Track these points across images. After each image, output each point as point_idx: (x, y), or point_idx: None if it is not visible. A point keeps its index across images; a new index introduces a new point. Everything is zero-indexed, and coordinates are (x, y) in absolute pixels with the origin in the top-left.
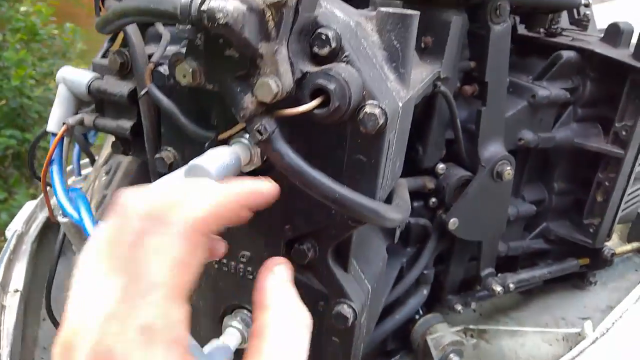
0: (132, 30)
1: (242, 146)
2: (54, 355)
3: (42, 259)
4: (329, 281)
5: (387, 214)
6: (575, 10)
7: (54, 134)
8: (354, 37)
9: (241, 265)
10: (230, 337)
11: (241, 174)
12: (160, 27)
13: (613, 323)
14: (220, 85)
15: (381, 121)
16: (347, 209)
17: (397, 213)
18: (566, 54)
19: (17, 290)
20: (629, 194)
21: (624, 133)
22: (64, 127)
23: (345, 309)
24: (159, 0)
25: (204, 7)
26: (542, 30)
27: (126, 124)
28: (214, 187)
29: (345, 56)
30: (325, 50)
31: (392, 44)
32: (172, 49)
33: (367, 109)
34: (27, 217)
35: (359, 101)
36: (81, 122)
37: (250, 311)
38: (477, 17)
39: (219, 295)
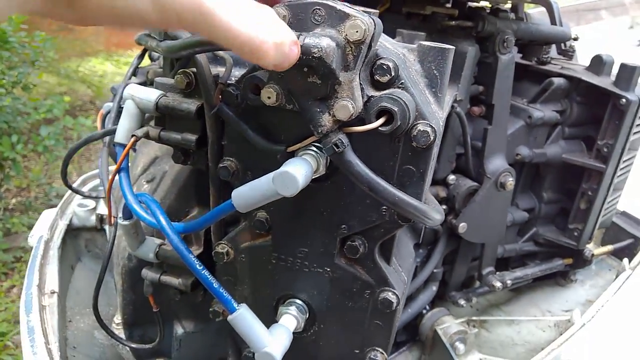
0: (201, 55)
1: (311, 157)
2: None
3: (62, 264)
4: (375, 273)
5: (432, 215)
6: (562, 43)
7: (122, 145)
8: (405, 66)
9: (298, 260)
10: (288, 321)
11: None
12: (219, 51)
13: (597, 311)
14: (300, 105)
15: (432, 137)
16: (403, 209)
17: (439, 214)
18: (557, 81)
19: (54, 292)
20: (608, 202)
21: (605, 150)
22: (133, 139)
23: (390, 296)
24: None
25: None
26: (534, 59)
27: (191, 137)
28: None
29: (401, 83)
30: (385, 78)
31: (433, 73)
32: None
33: (420, 127)
34: (50, 224)
35: (413, 120)
36: (147, 135)
37: (303, 301)
38: (486, 48)
39: (275, 287)
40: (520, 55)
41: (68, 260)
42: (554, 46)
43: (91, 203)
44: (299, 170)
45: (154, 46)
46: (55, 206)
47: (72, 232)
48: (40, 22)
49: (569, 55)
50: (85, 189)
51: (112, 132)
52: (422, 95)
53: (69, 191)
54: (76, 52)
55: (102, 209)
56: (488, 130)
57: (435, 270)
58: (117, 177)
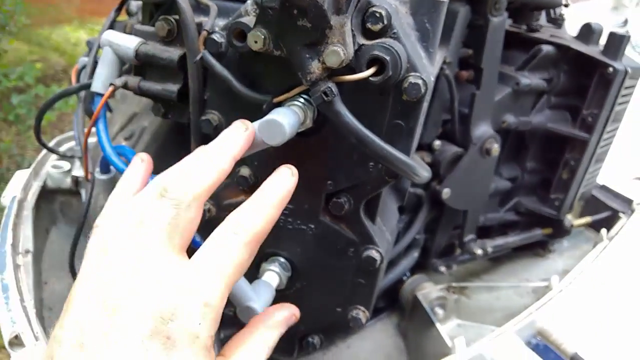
0: (183, 0)
1: (299, 108)
2: (109, 290)
3: (38, 226)
4: (360, 230)
5: (420, 171)
6: (552, 10)
7: (100, 95)
8: (397, 17)
9: (282, 217)
10: (271, 278)
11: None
12: None
13: (574, 278)
14: (289, 51)
15: (422, 90)
16: (391, 163)
17: (426, 171)
18: (545, 48)
19: (28, 251)
20: (590, 173)
21: (590, 119)
22: (111, 88)
23: (374, 253)
24: None
25: None
26: (524, 26)
27: (173, 87)
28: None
29: (394, 32)
30: (378, 26)
31: (425, 26)
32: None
33: (411, 79)
34: (23, 185)
35: (404, 72)
36: (125, 85)
37: (285, 258)
38: (478, 10)
39: None
40: (510, 21)
41: (43, 222)
42: (543, 14)
43: (66, 165)
44: (285, 119)
45: None
46: None
47: (47, 194)
48: None
49: (558, 24)
50: (63, 149)
51: (88, 87)
52: (414, 48)
53: (43, 152)
54: (49, 19)
55: (78, 171)
56: (476, 95)
57: (417, 237)
58: (93, 128)
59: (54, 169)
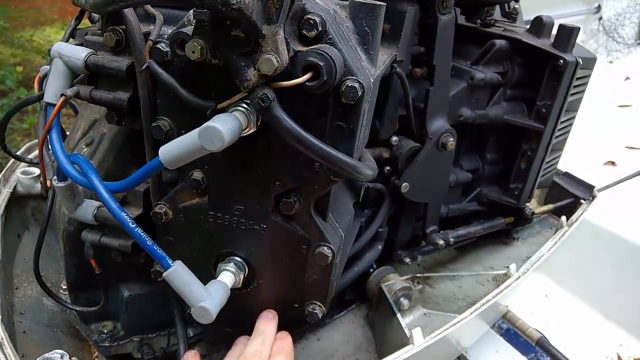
0: (129, 11)
1: (241, 113)
2: None
3: (7, 232)
4: (311, 228)
5: (363, 170)
6: (506, 5)
7: (52, 105)
8: (334, 22)
9: (235, 218)
10: (226, 277)
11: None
12: (150, 8)
13: (532, 265)
14: (225, 60)
15: (359, 93)
16: (334, 164)
17: (370, 170)
18: (498, 43)
19: None
20: (547, 162)
21: (544, 110)
22: (62, 98)
23: (325, 250)
24: None
25: None
26: (478, 21)
27: (123, 96)
28: None
29: (329, 38)
30: (313, 33)
31: (364, 30)
32: (165, 29)
33: (348, 83)
34: None
35: (341, 76)
36: (77, 94)
37: (241, 257)
38: (427, 8)
39: (213, 245)
40: (464, 17)
41: (14, 228)
42: (497, 9)
43: (36, 170)
44: (224, 125)
45: (83, 3)
46: None
47: (18, 200)
48: None
49: (512, 18)
50: (31, 157)
51: None
52: (352, 52)
53: (11, 160)
54: (29, 21)
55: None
56: (430, 91)
57: (380, 230)
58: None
59: (23, 175)
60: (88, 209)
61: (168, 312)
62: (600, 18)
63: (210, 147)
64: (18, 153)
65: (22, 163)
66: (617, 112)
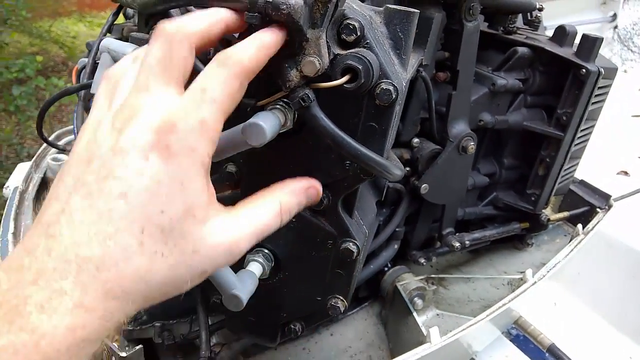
0: (175, 11)
1: (280, 111)
2: (116, 115)
3: (37, 215)
4: (338, 224)
5: (393, 170)
6: (528, 13)
7: None
8: (370, 27)
9: None
10: (255, 267)
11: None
12: (193, 8)
13: (548, 271)
14: (270, 61)
15: (394, 96)
16: (365, 163)
17: (399, 170)
18: (520, 50)
19: None
20: (565, 170)
21: (564, 118)
22: None
23: (351, 246)
24: None
25: (269, 0)
26: (500, 28)
27: None
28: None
29: (367, 42)
30: (352, 37)
31: (398, 35)
32: None
33: (383, 85)
34: (25, 177)
35: (376, 79)
36: None
37: (269, 250)
38: (453, 15)
39: None
40: (487, 24)
41: None
42: (520, 16)
43: (65, 157)
44: (267, 122)
45: (129, 1)
46: None
47: (47, 185)
48: None
49: (534, 26)
50: (60, 144)
51: (88, 87)
52: (386, 56)
53: (44, 145)
54: (48, 12)
55: None
56: (452, 95)
57: (397, 229)
58: None
59: (53, 161)
60: None
61: (190, 299)
62: (616, 27)
63: (254, 142)
64: (50, 139)
65: (53, 149)
66: (630, 122)
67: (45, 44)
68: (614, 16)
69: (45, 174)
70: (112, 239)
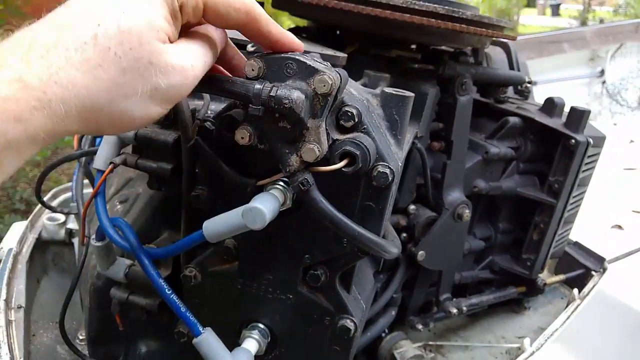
0: None
1: (279, 191)
2: None
3: (30, 277)
4: (335, 300)
5: (390, 249)
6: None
7: (101, 171)
8: (368, 112)
9: (262, 286)
10: (251, 344)
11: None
12: None
13: (546, 340)
14: (271, 146)
15: (390, 178)
16: (363, 243)
17: (395, 248)
18: (512, 119)
19: (20, 307)
20: (559, 234)
21: (556, 186)
22: (111, 166)
23: (348, 323)
24: (234, 83)
25: (272, 94)
26: (492, 98)
27: (167, 166)
28: None
29: (364, 128)
30: (350, 124)
31: (394, 117)
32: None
33: (380, 169)
34: (19, 238)
35: (373, 162)
36: (124, 162)
37: (265, 325)
38: (447, 89)
39: (240, 311)
40: (479, 94)
41: (35, 273)
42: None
43: (61, 217)
44: (267, 206)
45: None
46: (19, 210)
47: (41, 246)
48: None
49: (524, 95)
50: (55, 203)
51: (89, 154)
52: (383, 138)
53: (39, 205)
54: None
55: (72, 224)
56: (447, 164)
57: (394, 295)
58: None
59: (49, 221)
60: (120, 267)
61: None
62: (604, 82)
63: (253, 226)
64: (46, 198)
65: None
66: (622, 175)
67: None
68: (602, 72)
69: (40, 234)
70: (69, 28)
